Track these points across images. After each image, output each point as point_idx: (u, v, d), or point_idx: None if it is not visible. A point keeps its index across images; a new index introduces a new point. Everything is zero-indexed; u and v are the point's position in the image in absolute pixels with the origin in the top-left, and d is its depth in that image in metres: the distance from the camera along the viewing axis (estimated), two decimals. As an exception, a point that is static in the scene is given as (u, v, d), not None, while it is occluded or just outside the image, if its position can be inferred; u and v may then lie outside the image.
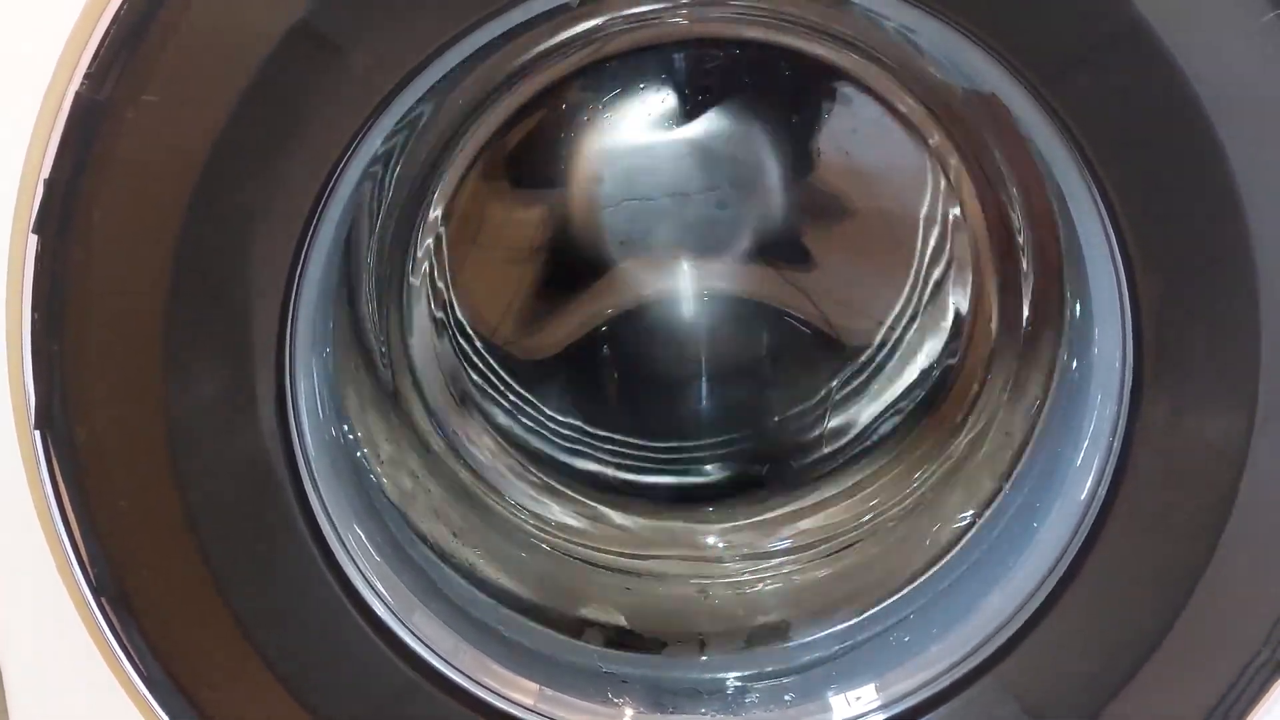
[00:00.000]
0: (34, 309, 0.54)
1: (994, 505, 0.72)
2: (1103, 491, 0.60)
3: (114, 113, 0.52)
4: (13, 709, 0.65)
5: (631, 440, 0.90)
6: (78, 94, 0.52)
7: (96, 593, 0.57)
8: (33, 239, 0.53)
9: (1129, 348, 0.58)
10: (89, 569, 0.57)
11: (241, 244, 0.55)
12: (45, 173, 0.53)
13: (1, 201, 0.55)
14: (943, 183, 0.84)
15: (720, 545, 0.87)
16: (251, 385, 0.57)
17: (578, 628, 0.74)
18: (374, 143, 0.59)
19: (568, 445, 0.90)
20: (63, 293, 0.54)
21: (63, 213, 0.53)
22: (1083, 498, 0.62)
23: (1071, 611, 0.61)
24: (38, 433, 0.55)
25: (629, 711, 0.69)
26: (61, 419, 0.55)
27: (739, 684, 0.72)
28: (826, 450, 0.89)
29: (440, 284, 0.87)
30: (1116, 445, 0.59)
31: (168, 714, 0.59)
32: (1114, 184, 0.55)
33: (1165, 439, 0.57)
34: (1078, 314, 0.68)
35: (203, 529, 0.57)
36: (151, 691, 0.59)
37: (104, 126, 0.52)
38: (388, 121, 0.58)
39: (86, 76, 0.52)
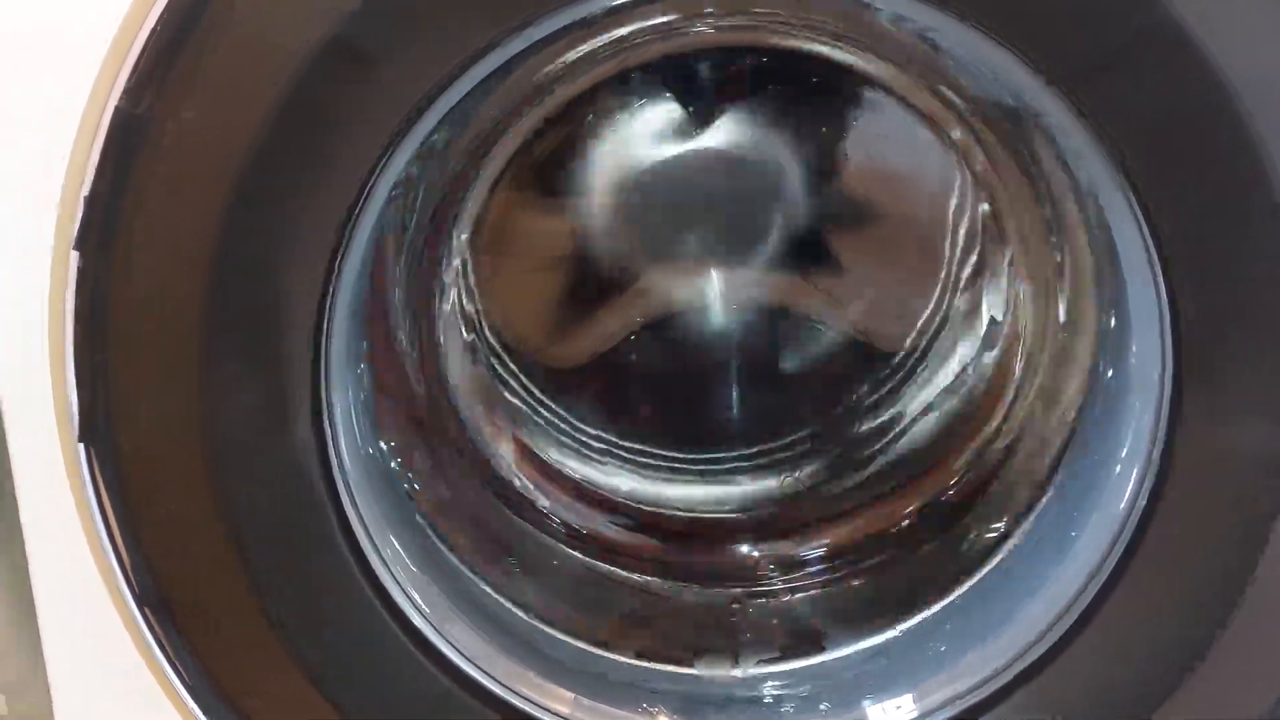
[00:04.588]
0: (76, 323, 0.55)
1: (1031, 514, 0.71)
2: (1142, 502, 0.59)
3: (153, 127, 0.53)
4: (59, 715, 0.66)
5: (662, 450, 0.90)
6: (117, 109, 0.53)
7: (140, 601, 0.58)
8: (74, 255, 0.54)
9: (1168, 354, 0.57)
10: (132, 578, 0.57)
11: (277, 257, 0.55)
12: (86, 189, 0.54)
13: (43, 217, 0.56)
14: (971, 186, 0.84)
15: (754, 555, 0.86)
16: (287, 398, 0.57)
17: (610, 638, 0.74)
18: (405, 156, 0.59)
19: (598, 455, 0.90)
20: (104, 307, 0.54)
21: (103, 228, 0.54)
22: (1121, 507, 0.61)
23: (1111, 623, 0.60)
24: (82, 445, 0.56)
25: (663, 720, 0.69)
26: (105, 431, 0.56)
27: (773, 694, 0.71)
28: (859, 457, 0.89)
29: (469, 301, 0.87)
30: (1156, 454, 0.59)
31: (209, 719, 0.60)
32: (1149, 188, 0.54)
33: (1206, 448, 0.56)
34: (1113, 319, 0.67)
35: (242, 539, 0.58)
36: (194, 697, 0.59)
37: (143, 141, 0.53)
38: (419, 133, 0.58)
39: (125, 91, 0.53)
